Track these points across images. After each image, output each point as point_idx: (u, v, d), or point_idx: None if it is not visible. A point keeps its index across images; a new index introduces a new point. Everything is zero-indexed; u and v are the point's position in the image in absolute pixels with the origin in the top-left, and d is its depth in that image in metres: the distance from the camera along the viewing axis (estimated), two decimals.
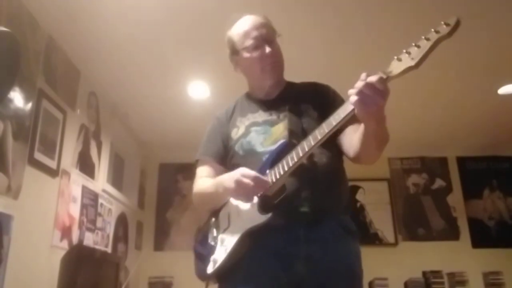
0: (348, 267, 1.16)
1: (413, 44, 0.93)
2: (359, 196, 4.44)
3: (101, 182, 3.15)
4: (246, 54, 1.34)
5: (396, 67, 0.95)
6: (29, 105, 2.17)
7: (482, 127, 3.96)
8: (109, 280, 2.85)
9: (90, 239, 2.88)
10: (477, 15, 2.39)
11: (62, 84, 2.56)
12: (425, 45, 0.91)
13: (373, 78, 0.95)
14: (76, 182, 2.71)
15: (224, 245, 1.20)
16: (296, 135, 1.21)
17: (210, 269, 1.22)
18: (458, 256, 4.17)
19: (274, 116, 1.31)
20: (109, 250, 3.25)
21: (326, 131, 1.05)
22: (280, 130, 1.26)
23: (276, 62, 1.34)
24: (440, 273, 4.01)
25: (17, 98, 2.06)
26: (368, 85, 0.95)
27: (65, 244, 2.49)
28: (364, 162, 1.22)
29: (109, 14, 2.33)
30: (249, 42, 1.33)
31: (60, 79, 2.53)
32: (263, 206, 1.13)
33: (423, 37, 0.92)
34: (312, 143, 1.07)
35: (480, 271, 4.07)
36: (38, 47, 2.30)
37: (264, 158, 1.20)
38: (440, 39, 0.90)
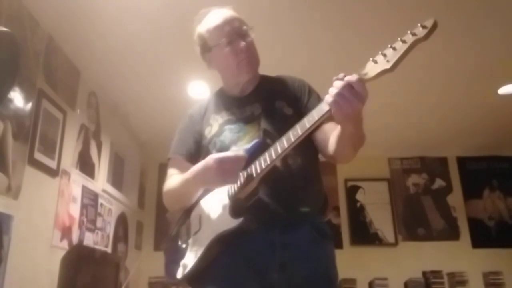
0: (323, 273, 1.13)
1: (389, 46, 0.90)
2: (359, 196, 4.44)
3: (101, 182, 3.15)
4: (220, 51, 1.27)
5: (371, 69, 0.92)
6: (29, 105, 2.17)
7: (482, 127, 3.95)
8: (109, 280, 2.85)
9: (90, 239, 2.88)
10: (478, 15, 2.39)
11: (62, 84, 2.56)
12: (401, 47, 0.88)
13: (352, 79, 0.92)
14: (76, 182, 2.71)
15: (194, 250, 1.17)
16: (270, 134, 1.17)
17: (179, 274, 1.18)
18: (458, 256, 4.17)
19: (248, 113, 1.26)
20: (109, 250, 3.25)
21: (300, 133, 1.01)
22: (254, 129, 1.22)
23: (251, 56, 1.28)
24: (440, 273, 4.01)
25: (17, 98, 2.06)
26: (347, 87, 0.92)
27: (65, 244, 2.49)
28: (339, 162, 1.20)
29: (109, 14, 2.33)
30: (222, 38, 1.26)
31: (60, 79, 2.53)
32: (235, 210, 1.09)
33: (399, 38, 0.89)
34: (286, 145, 1.03)
35: (480, 271, 4.07)
36: (38, 47, 2.30)
37: None
38: (416, 41, 0.87)
